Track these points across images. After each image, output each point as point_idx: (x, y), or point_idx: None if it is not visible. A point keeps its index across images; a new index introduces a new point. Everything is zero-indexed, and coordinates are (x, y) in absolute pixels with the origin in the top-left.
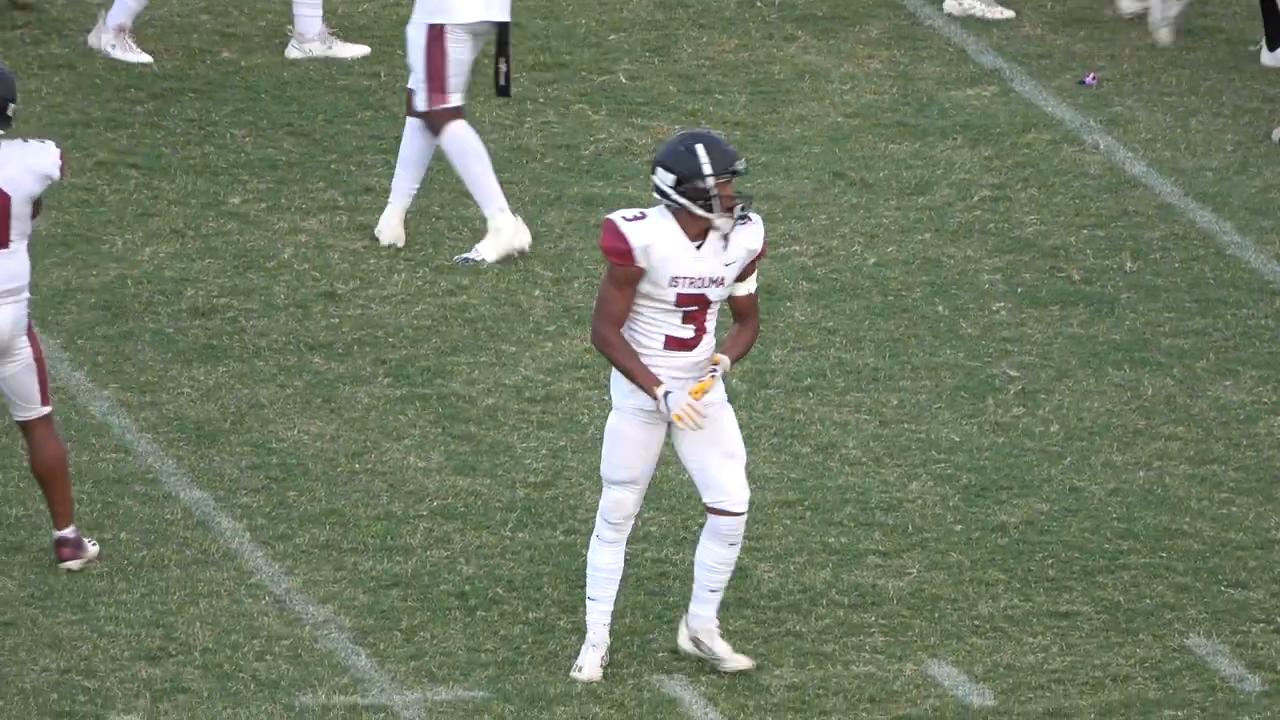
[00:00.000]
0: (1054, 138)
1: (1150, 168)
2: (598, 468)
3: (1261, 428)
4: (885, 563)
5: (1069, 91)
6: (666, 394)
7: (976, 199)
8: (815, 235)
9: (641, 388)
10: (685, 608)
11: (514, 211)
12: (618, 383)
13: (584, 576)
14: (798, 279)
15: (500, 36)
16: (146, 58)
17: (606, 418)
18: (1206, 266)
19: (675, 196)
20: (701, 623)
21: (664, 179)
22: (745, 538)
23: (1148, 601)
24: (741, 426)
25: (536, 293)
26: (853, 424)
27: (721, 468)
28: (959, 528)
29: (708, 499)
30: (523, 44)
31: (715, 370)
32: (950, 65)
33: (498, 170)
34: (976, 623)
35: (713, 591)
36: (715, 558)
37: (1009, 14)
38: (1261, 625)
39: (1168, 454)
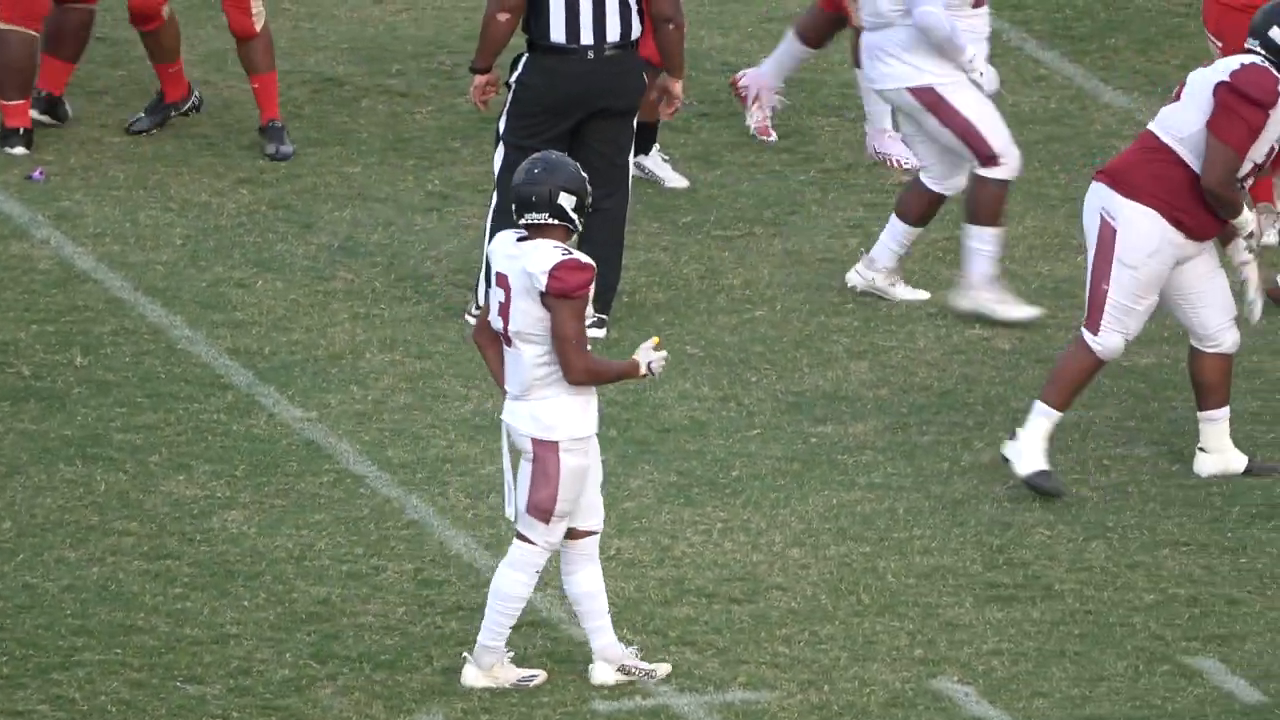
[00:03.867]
0: (2, 233)
1: (100, 262)
2: None
3: (215, 522)
4: None
5: (16, 186)
6: (648, 362)
7: None
8: None
9: (628, 374)
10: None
11: None
12: (565, 420)
13: None
14: None
15: None
16: (924, 294)
17: None
18: (158, 361)
19: (576, 221)
20: (613, 649)
21: (569, 202)
22: None
23: (103, 698)
24: None
25: None
26: None
27: (598, 494)
28: None
29: (582, 524)
30: None
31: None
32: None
33: None
34: None
35: (603, 616)
36: (598, 580)
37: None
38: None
39: (121, 549)
